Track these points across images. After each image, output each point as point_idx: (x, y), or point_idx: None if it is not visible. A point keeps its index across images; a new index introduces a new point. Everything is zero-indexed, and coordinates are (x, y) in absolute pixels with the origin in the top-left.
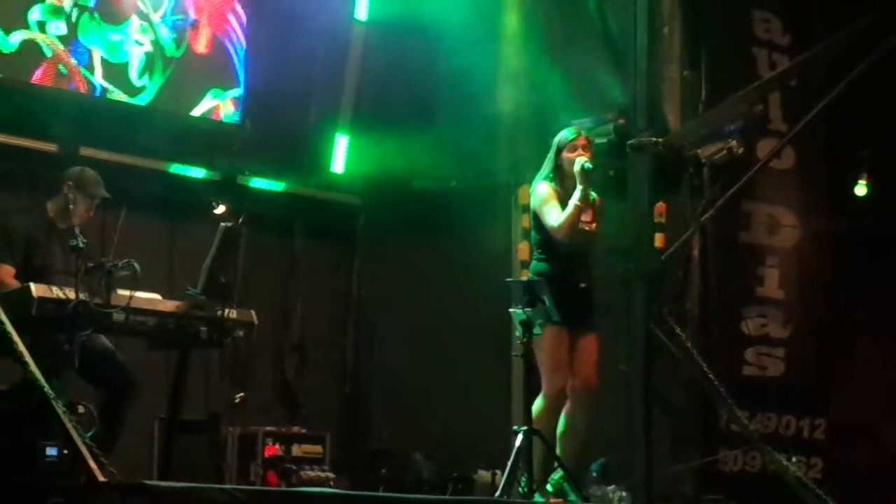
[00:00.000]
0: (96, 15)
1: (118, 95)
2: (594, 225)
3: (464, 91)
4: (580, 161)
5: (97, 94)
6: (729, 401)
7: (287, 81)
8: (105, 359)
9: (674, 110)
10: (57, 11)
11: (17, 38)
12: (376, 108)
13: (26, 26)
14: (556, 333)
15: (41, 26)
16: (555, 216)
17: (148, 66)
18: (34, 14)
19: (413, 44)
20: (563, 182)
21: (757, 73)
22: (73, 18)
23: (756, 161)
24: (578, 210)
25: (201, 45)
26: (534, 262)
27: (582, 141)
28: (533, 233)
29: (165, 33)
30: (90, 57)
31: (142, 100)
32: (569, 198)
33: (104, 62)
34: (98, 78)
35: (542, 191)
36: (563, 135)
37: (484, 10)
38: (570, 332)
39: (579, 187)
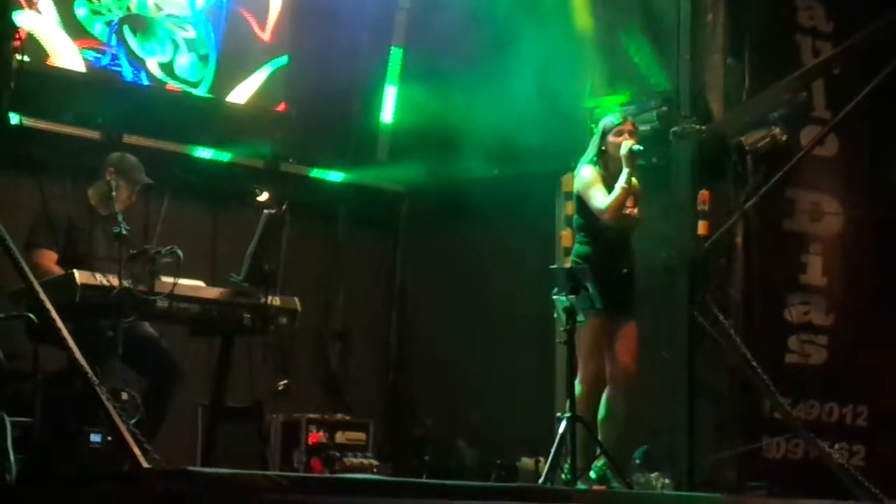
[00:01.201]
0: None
1: (171, 85)
2: (635, 210)
3: (507, 78)
4: (627, 144)
5: (144, 83)
6: (772, 388)
7: (332, 70)
8: (149, 346)
9: (717, 98)
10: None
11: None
12: (420, 96)
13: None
14: (596, 320)
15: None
16: (601, 198)
17: (194, 54)
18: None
19: (455, 31)
20: (607, 166)
21: (800, 61)
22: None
23: (799, 148)
24: (625, 192)
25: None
26: (576, 246)
27: (628, 126)
28: (576, 216)
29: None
30: (135, 49)
31: (201, 90)
32: (614, 181)
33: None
34: (151, 68)
35: (586, 174)
36: (609, 119)
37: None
38: (610, 319)
39: (626, 170)
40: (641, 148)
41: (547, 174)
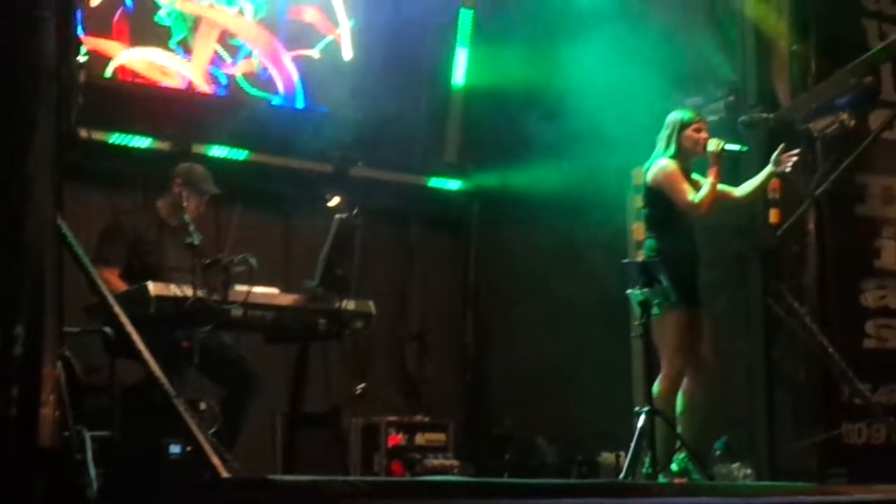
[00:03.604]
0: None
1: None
2: None
3: (575, 73)
4: (716, 142)
5: (221, 93)
6: (850, 374)
7: (397, 69)
8: (224, 355)
9: (784, 85)
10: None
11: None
12: (489, 93)
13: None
14: (678, 314)
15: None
16: (690, 193)
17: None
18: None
19: (523, 30)
20: (684, 161)
21: (867, 45)
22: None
23: (869, 133)
24: (715, 188)
25: None
26: (648, 240)
27: (703, 123)
28: (647, 209)
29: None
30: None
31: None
32: (687, 175)
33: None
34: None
35: (668, 167)
36: (683, 115)
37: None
38: (688, 311)
39: (714, 166)
40: (745, 147)
41: (617, 168)
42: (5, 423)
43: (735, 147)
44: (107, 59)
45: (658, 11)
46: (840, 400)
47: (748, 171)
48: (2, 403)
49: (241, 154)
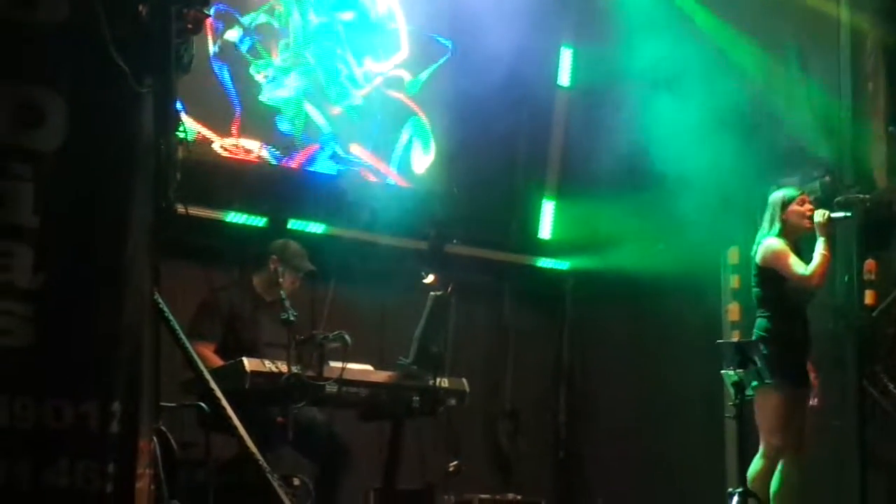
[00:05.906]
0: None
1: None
2: None
3: (669, 154)
4: (822, 212)
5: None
6: None
7: (492, 148)
8: (318, 431)
9: (880, 166)
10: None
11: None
12: (582, 173)
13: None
14: (777, 394)
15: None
16: (801, 267)
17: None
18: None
19: (617, 109)
20: (789, 237)
21: None
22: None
23: None
24: (826, 259)
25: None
26: (759, 320)
27: (806, 196)
28: (756, 290)
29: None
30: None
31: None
32: (795, 251)
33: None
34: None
35: (775, 245)
36: (786, 193)
37: (686, 77)
38: (790, 392)
39: (822, 238)
40: (848, 213)
41: (713, 247)
42: (102, 498)
43: (841, 214)
44: (210, 142)
45: (753, 93)
46: None
47: (845, 249)
48: (99, 479)
49: (336, 230)
